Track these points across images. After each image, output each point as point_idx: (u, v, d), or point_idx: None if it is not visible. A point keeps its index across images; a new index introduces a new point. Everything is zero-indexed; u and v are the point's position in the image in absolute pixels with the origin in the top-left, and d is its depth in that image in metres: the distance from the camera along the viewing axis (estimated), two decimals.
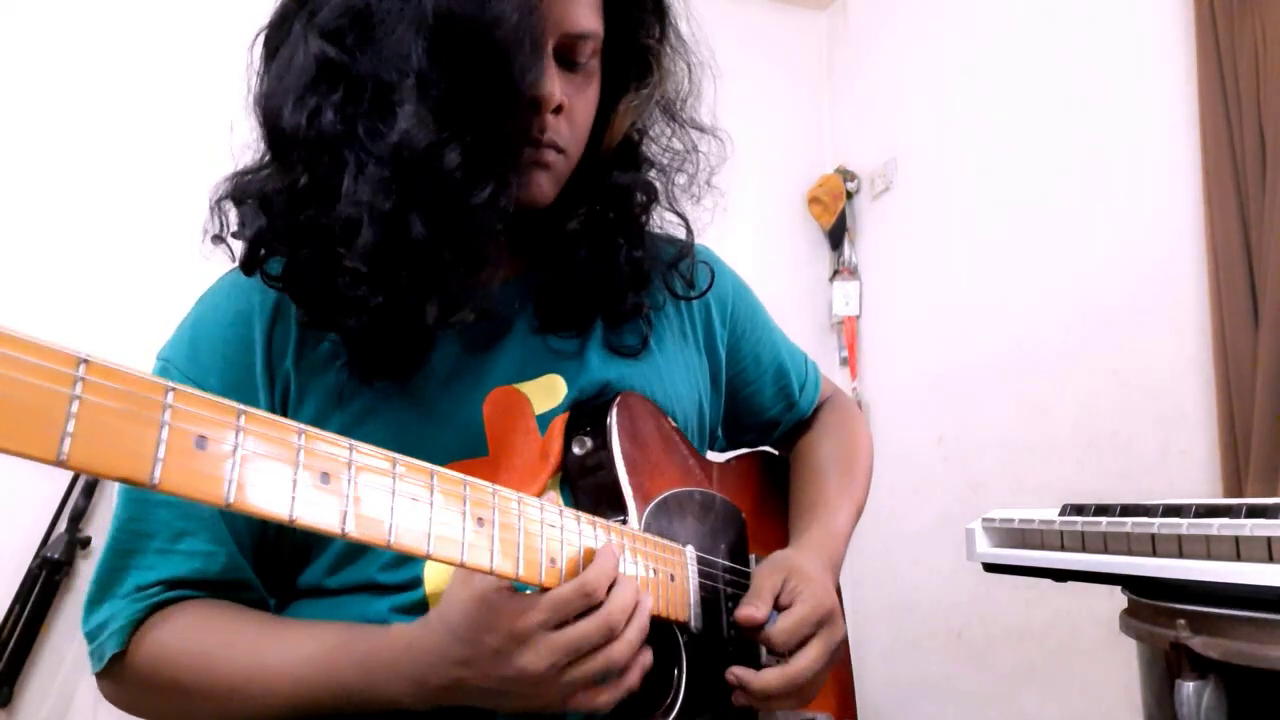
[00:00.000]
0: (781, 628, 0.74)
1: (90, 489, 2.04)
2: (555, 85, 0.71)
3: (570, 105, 0.74)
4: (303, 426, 0.48)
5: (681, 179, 0.87)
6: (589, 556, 0.63)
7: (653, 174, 0.86)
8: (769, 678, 0.73)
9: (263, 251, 0.73)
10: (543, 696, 0.61)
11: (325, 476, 0.48)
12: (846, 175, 2.93)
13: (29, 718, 1.96)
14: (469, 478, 0.57)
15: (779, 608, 0.76)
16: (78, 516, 2.02)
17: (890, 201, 2.81)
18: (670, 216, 0.88)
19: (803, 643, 0.75)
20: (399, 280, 0.67)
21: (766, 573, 0.79)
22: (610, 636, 0.61)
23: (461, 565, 0.55)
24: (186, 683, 0.68)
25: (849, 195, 2.92)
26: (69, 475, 2.04)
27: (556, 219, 0.81)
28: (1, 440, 0.37)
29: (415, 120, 0.64)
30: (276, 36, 0.71)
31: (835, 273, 2.92)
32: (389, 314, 0.68)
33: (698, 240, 0.91)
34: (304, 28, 0.68)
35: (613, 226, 0.82)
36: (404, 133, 0.64)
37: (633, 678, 0.64)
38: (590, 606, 0.60)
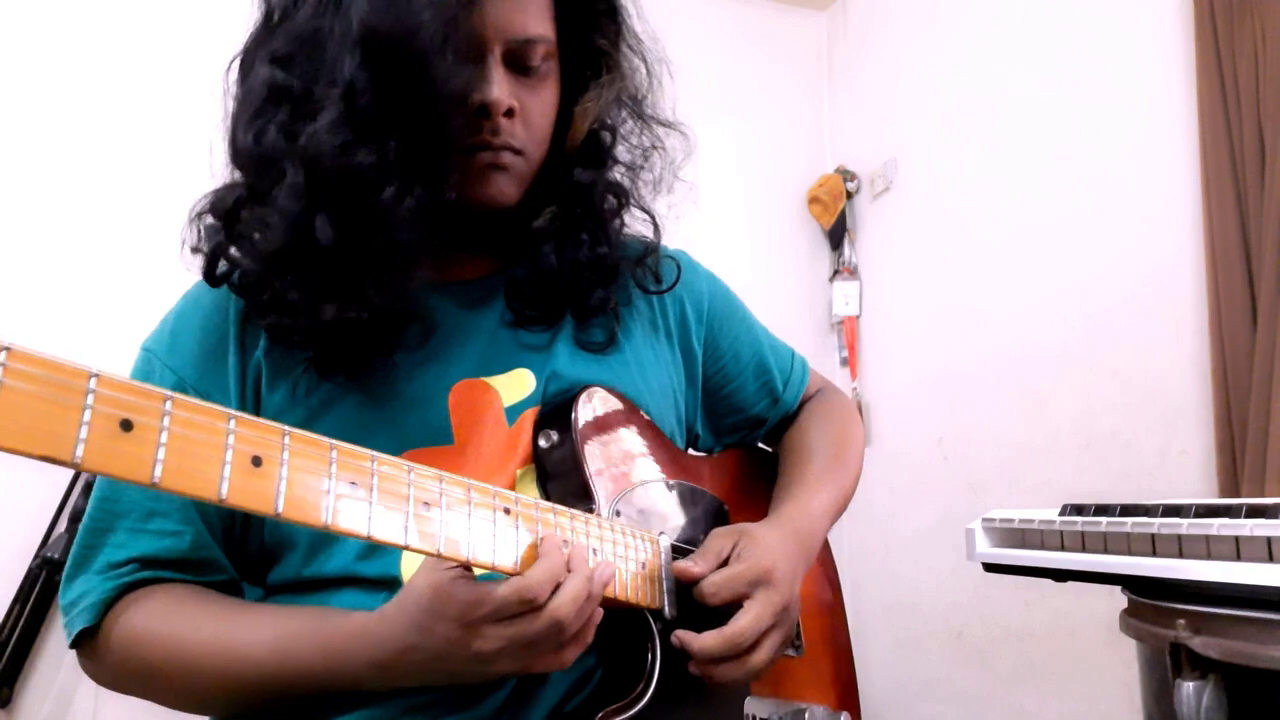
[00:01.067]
0: (711, 579, 0.75)
1: (90, 489, 2.04)
2: (500, 90, 0.74)
3: (524, 107, 0.76)
4: (234, 412, 0.51)
5: (650, 175, 0.89)
6: (530, 556, 0.64)
7: (620, 171, 0.88)
8: (707, 638, 0.73)
9: (222, 264, 0.76)
10: (497, 672, 0.64)
11: (257, 460, 0.51)
12: (846, 175, 2.93)
13: (29, 718, 1.96)
14: (414, 464, 0.59)
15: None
16: (78, 516, 2.01)
17: (890, 201, 2.81)
18: (641, 214, 0.90)
19: (739, 602, 0.75)
20: (312, 279, 0.70)
21: (718, 534, 0.80)
22: (558, 632, 0.62)
23: (406, 548, 0.57)
24: (155, 663, 0.70)
25: (849, 195, 2.92)
26: (69, 476, 2.04)
27: (525, 217, 0.83)
28: None
29: (328, 125, 0.67)
30: (245, 63, 0.76)
31: (835, 273, 2.92)
32: (308, 313, 0.71)
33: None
34: (263, 54, 0.73)
35: (578, 223, 0.84)
36: (311, 135, 0.67)
37: (575, 653, 0.65)
38: (535, 606, 0.61)
